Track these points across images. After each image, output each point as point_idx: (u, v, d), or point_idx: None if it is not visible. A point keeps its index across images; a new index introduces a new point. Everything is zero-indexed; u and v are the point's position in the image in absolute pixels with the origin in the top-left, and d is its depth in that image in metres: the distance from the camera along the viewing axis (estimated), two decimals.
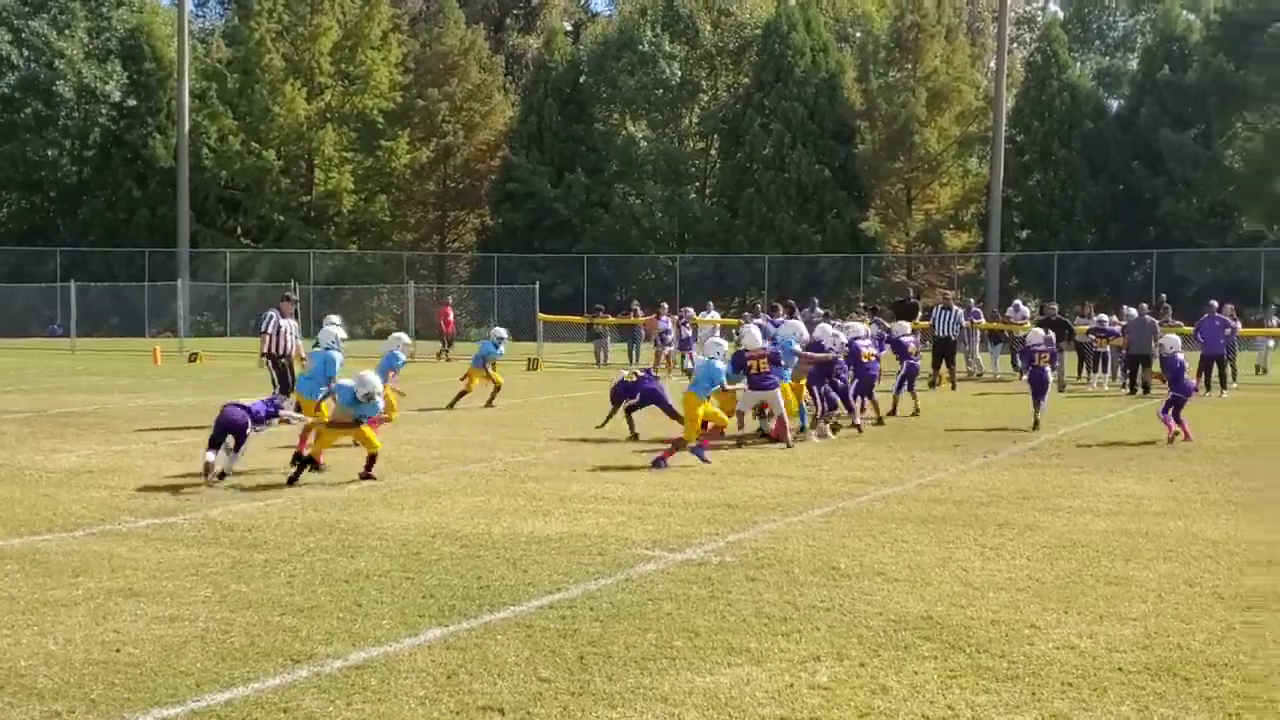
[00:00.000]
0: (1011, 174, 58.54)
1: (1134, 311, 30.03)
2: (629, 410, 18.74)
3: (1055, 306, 33.22)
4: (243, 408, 14.41)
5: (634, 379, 18.95)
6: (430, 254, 69.43)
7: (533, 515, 12.10)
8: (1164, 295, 38.35)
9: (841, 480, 14.59)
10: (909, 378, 22.75)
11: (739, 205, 62.34)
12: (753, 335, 18.65)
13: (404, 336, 20.64)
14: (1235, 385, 29.06)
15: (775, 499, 13.15)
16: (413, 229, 72.60)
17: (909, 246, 65.83)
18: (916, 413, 22.22)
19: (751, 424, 19.47)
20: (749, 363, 17.97)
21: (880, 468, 15.75)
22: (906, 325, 25.13)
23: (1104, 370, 30.31)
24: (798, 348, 19.07)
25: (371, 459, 14.27)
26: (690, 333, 35.80)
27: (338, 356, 16.01)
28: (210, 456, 14.01)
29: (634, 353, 39.83)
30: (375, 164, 67.26)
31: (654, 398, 18.69)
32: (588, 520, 11.86)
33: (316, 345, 16.72)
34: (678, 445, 16.02)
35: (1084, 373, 31.15)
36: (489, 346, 24.21)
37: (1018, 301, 38.34)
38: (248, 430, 14.30)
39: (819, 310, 35.94)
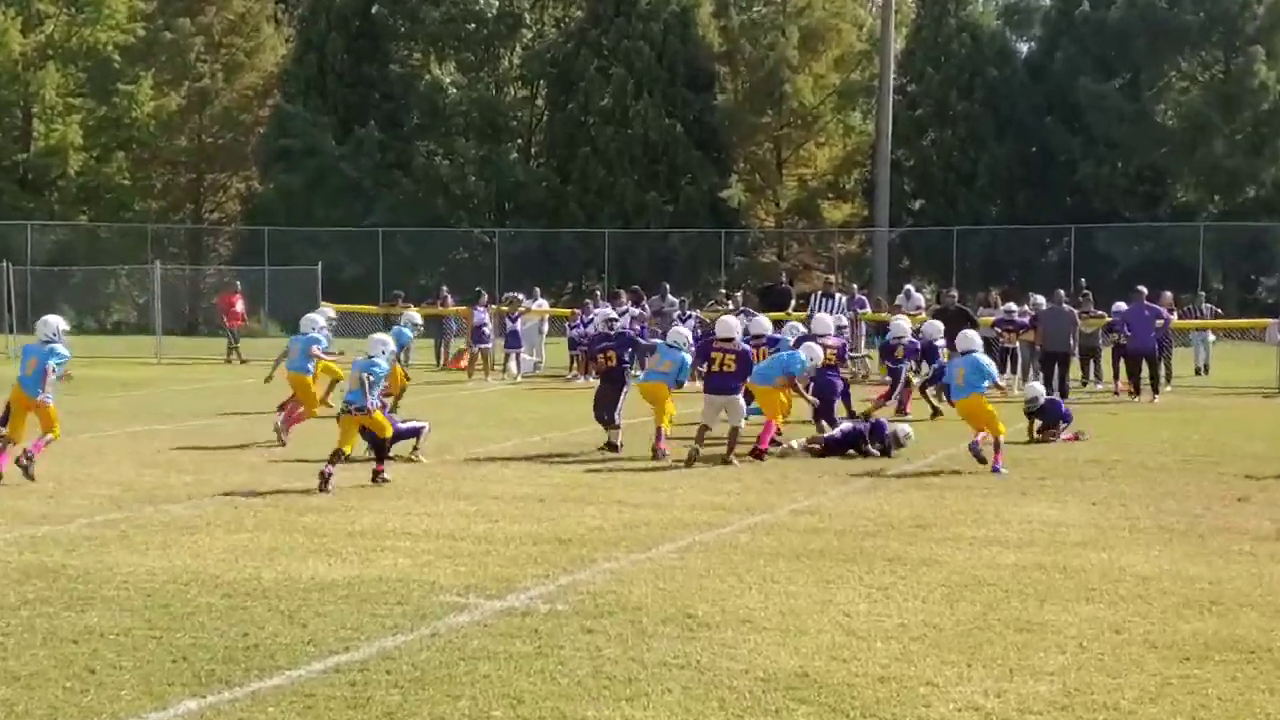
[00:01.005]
0: (902, 132, 59.45)
1: (1043, 301, 30.58)
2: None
3: (955, 294, 33.76)
4: None
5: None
6: (182, 227, 68.17)
7: (314, 555, 11.98)
8: (1084, 280, 39.18)
9: (699, 507, 14.69)
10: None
11: (572, 168, 62.35)
12: (726, 324, 19.43)
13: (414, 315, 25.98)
14: (1170, 388, 29.75)
15: (618, 531, 13.19)
16: (159, 195, 71.15)
17: (780, 220, 66.60)
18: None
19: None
20: (714, 354, 18.62)
21: (746, 491, 15.90)
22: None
23: (1013, 371, 30.62)
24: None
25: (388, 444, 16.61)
26: (519, 325, 34.41)
27: (64, 350, 16.20)
28: None
29: (441, 350, 38.61)
30: (110, 113, 65.83)
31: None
32: (384, 561, 11.77)
33: (48, 341, 16.37)
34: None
35: None
36: (406, 334, 24.38)
37: (909, 287, 39.00)
38: None
39: (670, 298, 36.07)
